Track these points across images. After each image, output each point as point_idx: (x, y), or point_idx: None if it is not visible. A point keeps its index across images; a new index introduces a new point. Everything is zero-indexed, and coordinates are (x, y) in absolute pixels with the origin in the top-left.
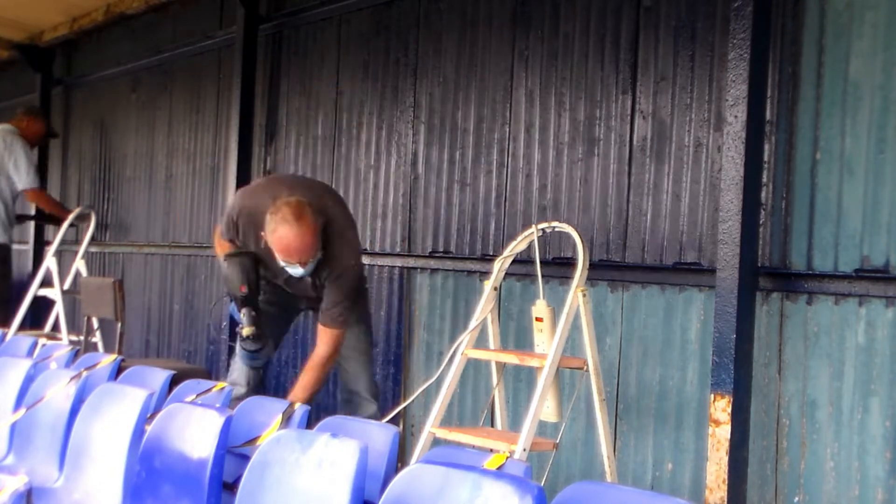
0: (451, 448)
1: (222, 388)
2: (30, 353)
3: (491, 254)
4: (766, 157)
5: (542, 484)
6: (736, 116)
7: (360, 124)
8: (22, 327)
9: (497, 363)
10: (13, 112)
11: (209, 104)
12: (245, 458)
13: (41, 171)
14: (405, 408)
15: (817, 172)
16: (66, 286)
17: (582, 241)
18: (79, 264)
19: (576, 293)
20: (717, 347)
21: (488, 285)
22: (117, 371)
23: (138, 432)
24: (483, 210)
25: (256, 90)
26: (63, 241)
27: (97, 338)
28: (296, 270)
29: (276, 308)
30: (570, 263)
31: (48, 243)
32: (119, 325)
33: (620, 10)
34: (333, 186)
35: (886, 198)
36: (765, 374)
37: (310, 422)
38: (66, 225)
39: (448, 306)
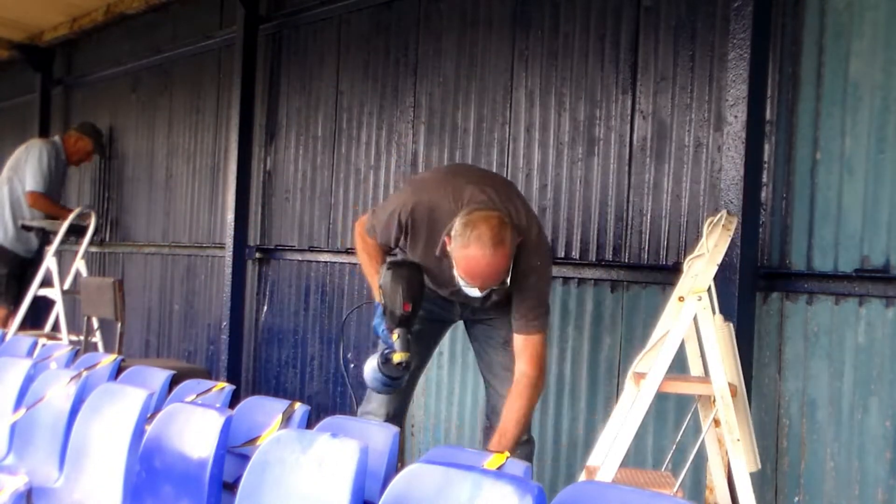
0: (452, 448)
1: (222, 388)
2: (30, 353)
3: None
4: (766, 157)
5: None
6: (736, 116)
7: (360, 124)
8: (22, 327)
9: (702, 398)
10: (13, 112)
11: (209, 104)
12: (245, 458)
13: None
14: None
15: (817, 172)
16: (66, 286)
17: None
18: (79, 264)
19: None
20: None
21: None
22: (117, 371)
23: (138, 432)
24: None
25: (256, 90)
26: (63, 241)
27: (97, 338)
28: (473, 292)
29: (428, 324)
30: (570, 264)
31: (48, 243)
32: (119, 325)
33: (620, 10)
34: (333, 186)
35: (886, 198)
36: (765, 374)
37: (310, 422)
38: (65, 225)
39: None
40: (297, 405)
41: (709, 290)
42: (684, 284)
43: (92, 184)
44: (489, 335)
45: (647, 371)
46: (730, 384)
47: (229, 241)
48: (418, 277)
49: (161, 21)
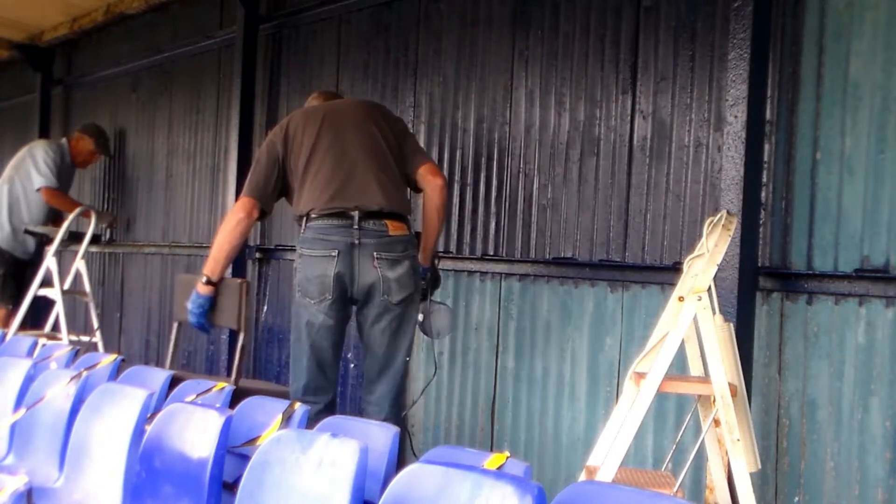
0: (452, 448)
1: (222, 388)
2: (30, 353)
3: (491, 254)
4: (766, 157)
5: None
6: (736, 116)
7: None
8: (22, 327)
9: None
10: (13, 112)
11: (209, 104)
12: (245, 458)
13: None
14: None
15: (817, 172)
16: (67, 286)
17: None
18: (79, 264)
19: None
20: None
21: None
22: (117, 371)
23: (138, 432)
24: (483, 210)
25: (256, 90)
26: (63, 241)
27: (97, 338)
28: None
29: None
30: (570, 264)
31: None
32: (241, 336)
33: (620, 10)
34: None
35: (886, 198)
36: (765, 374)
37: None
38: (64, 226)
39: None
40: (297, 405)
41: (709, 290)
42: (684, 284)
43: (92, 184)
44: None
45: (647, 371)
46: (730, 384)
47: None
48: None
49: (161, 21)
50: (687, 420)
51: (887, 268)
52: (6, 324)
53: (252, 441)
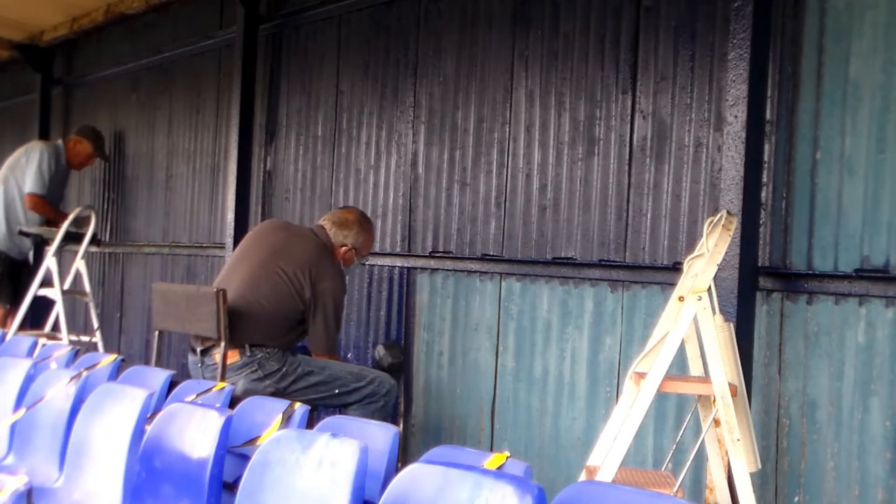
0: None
1: (222, 388)
2: (30, 353)
3: (491, 254)
4: (766, 157)
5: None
6: (736, 116)
7: (360, 124)
8: (22, 327)
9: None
10: (13, 112)
11: (209, 104)
12: (245, 458)
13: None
14: (406, 408)
15: (817, 172)
16: (67, 286)
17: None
18: (79, 264)
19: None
20: None
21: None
22: (117, 371)
23: (138, 432)
24: (483, 210)
25: (256, 90)
26: (63, 241)
27: (97, 337)
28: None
29: None
30: (570, 264)
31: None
32: (222, 345)
33: (620, 10)
34: (333, 186)
35: (886, 198)
36: (765, 373)
37: (310, 422)
38: (62, 232)
39: (448, 306)
40: (297, 405)
41: (709, 290)
42: (684, 284)
43: (92, 184)
44: None
45: (647, 371)
46: (730, 384)
47: (229, 241)
48: None
49: (161, 21)
50: (687, 420)
51: (887, 268)
52: (4, 323)
53: (252, 441)
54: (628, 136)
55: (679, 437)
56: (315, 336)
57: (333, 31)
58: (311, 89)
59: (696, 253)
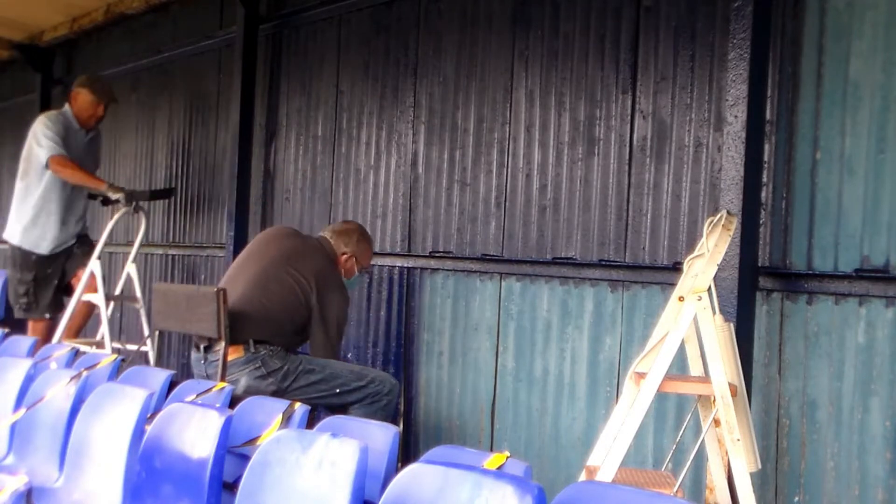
0: (452, 448)
1: (222, 388)
2: (30, 353)
3: (491, 254)
4: (766, 157)
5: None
6: (736, 116)
7: (360, 124)
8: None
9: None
10: (13, 112)
11: (209, 104)
12: (245, 458)
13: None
14: (406, 408)
15: (817, 172)
16: (118, 291)
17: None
18: (129, 268)
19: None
20: None
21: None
22: (117, 371)
23: (138, 432)
24: (483, 210)
25: (256, 90)
26: (107, 243)
27: (148, 346)
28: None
29: None
30: (570, 264)
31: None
32: (223, 344)
33: (620, 10)
34: (333, 186)
35: (886, 198)
36: (765, 373)
37: (310, 422)
38: (109, 227)
39: (448, 306)
40: (297, 405)
41: (709, 290)
42: (684, 284)
43: None
44: None
45: (647, 371)
46: (730, 384)
47: (229, 241)
48: None
49: (161, 21)
50: (687, 420)
51: (887, 268)
52: (47, 337)
53: (252, 441)
54: (628, 136)
55: (679, 437)
56: (316, 343)
57: (333, 31)
58: (311, 89)
59: (696, 253)
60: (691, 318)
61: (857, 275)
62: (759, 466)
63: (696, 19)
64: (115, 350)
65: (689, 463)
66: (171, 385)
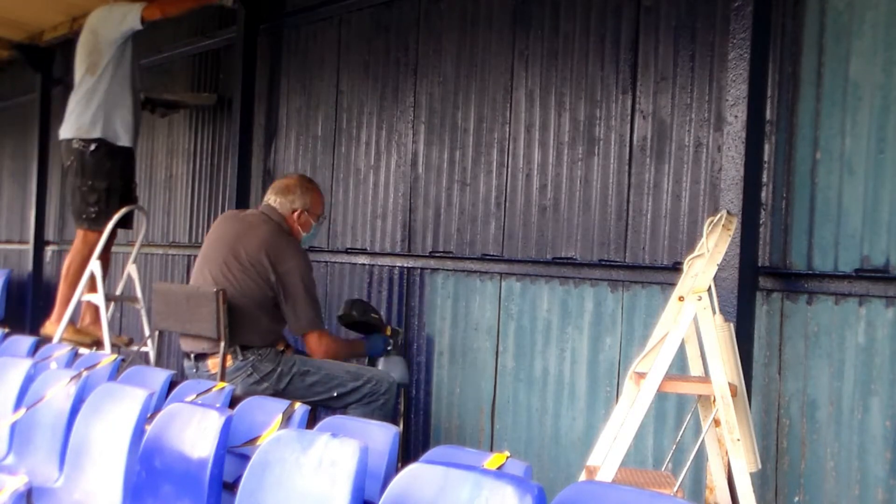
0: (452, 448)
1: (222, 388)
2: (30, 353)
3: (491, 254)
4: (766, 157)
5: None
6: (736, 116)
7: (360, 124)
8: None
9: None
10: (13, 112)
11: (209, 104)
12: (245, 458)
13: None
14: (406, 407)
15: (817, 172)
16: (119, 292)
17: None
18: (130, 269)
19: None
20: None
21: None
22: (117, 371)
23: (138, 432)
24: (483, 210)
25: (256, 90)
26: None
27: (148, 346)
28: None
29: None
30: (570, 264)
31: (48, 243)
32: (222, 345)
33: (620, 10)
34: (333, 186)
35: (886, 198)
36: (765, 374)
37: (310, 422)
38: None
39: (448, 306)
40: (297, 405)
41: (709, 290)
42: (684, 284)
43: None
44: None
45: (647, 371)
46: (730, 384)
47: None
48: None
49: (161, 21)
50: (687, 420)
51: (887, 268)
52: (81, 265)
53: (252, 441)
54: (628, 136)
55: (679, 437)
56: (292, 319)
57: (333, 31)
58: (311, 89)
59: (696, 253)
60: (691, 318)
61: (857, 275)
62: (759, 466)
63: (696, 19)
64: (114, 347)
65: (689, 463)
66: (171, 385)
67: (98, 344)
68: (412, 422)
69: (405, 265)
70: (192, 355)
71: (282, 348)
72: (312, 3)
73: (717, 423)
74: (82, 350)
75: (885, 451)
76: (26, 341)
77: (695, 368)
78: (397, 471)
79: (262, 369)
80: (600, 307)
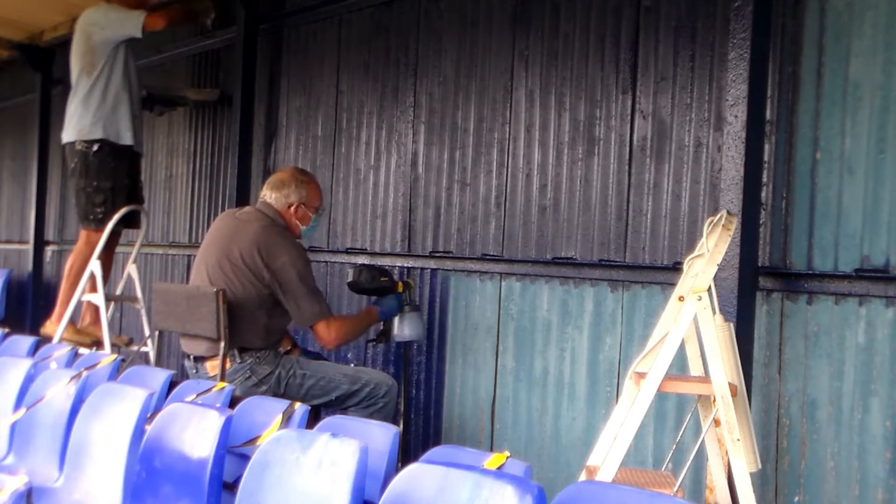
0: (452, 448)
1: (222, 388)
2: (30, 353)
3: (491, 254)
4: (766, 157)
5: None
6: (736, 116)
7: (360, 124)
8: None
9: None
10: (13, 112)
11: (209, 104)
12: (245, 458)
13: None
14: (406, 407)
15: (817, 172)
16: (119, 292)
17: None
18: (130, 269)
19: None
20: None
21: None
22: (117, 371)
23: (138, 432)
24: (483, 210)
25: (256, 90)
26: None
27: (149, 346)
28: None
29: None
30: (570, 264)
31: (48, 243)
32: (221, 344)
33: (620, 10)
34: (333, 186)
35: (886, 198)
36: (765, 373)
37: (310, 422)
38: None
39: (448, 306)
40: (297, 405)
41: (709, 290)
42: (684, 284)
43: None
44: None
45: (647, 371)
46: (730, 384)
47: None
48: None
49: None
50: (687, 420)
51: (887, 268)
52: (84, 263)
53: (252, 441)
54: (628, 136)
55: (679, 437)
56: (295, 314)
57: (333, 31)
58: (311, 89)
59: (696, 253)
60: (691, 318)
61: (857, 275)
62: (759, 466)
63: (696, 19)
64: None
65: (689, 463)
66: (171, 385)
67: (98, 344)
68: (412, 422)
69: (405, 265)
70: (192, 356)
71: (288, 348)
72: (312, 3)
73: (717, 423)
74: (82, 350)
75: (885, 451)
76: (26, 341)
77: (695, 368)
78: (397, 471)
79: (260, 372)
80: (600, 307)
